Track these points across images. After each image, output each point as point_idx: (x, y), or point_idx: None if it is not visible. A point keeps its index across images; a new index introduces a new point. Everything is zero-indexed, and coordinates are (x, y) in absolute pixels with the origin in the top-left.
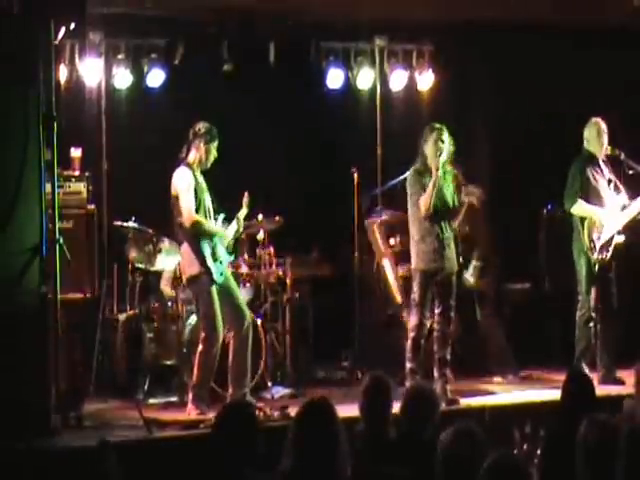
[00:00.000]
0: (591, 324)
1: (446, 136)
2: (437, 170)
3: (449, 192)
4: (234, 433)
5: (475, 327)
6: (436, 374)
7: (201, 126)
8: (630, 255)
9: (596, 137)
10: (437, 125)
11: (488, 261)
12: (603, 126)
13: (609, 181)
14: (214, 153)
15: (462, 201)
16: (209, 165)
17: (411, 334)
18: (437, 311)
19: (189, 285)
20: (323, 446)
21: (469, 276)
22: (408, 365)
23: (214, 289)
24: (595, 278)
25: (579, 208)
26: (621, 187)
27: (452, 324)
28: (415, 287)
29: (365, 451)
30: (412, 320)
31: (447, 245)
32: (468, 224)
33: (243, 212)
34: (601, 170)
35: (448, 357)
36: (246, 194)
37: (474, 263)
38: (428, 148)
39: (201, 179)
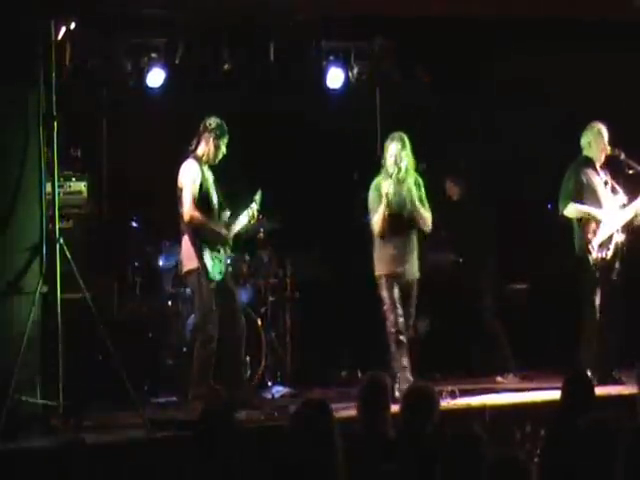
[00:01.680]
0: (596, 325)
1: (402, 145)
2: (387, 196)
3: (412, 199)
4: (213, 435)
5: (475, 327)
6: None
7: (212, 121)
8: (630, 254)
9: (596, 142)
10: (395, 135)
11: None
12: (604, 131)
13: (605, 183)
14: (223, 149)
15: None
16: (217, 161)
17: (391, 337)
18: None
19: (187, 278)
20: (319, 446)
21: None
22: (395, 365)
23: (212, 284)
24: (597, 278)
25: (572, 210)
26: (618, 188)
27: (412, 329)
28: (382, 292)
29: (364, 450)
30: (388, 323)
31: (408, 252)
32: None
33: (252, 208)
34: (597, 172)
35: (405, 364)
36: (259, 192)
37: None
38: (387, 160)
39: (208, 174)
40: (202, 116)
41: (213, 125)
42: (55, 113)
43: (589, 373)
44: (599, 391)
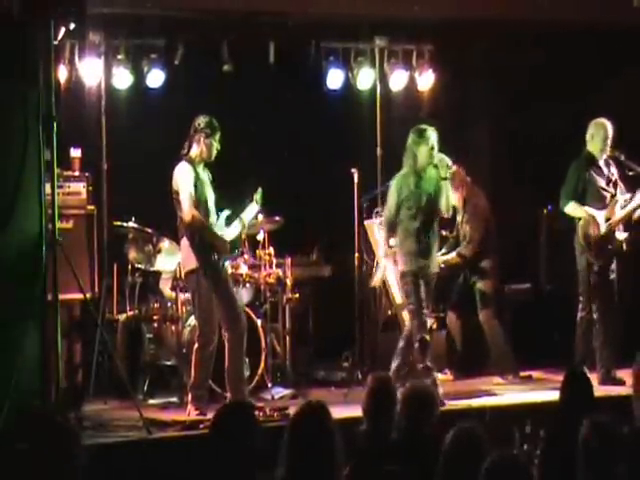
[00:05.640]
0: (595, 325)
1: (436, 137)
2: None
3: (437, 194)
4: (232, 434)
5: (475, 327)
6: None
7: (201, 120)
8: (631, 253)
9: (599, 138)
10: (426, 127)
11: (487, 260)
12: (609, 128)
13: (608, 180)
14: (216, 146)
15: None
16: (212, 158)
17: (417, 336)
18: (430, 311)
19: (187, 279)
20: (318, 448)
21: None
22: (420, 365)
23: (211, 286)
24: (596, 278)
25: (572, 208)
26: (621, 185)
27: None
28: (408, 289)
29: (368, 451)
30: (414, 322)
31: (430, 247)
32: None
33: (253, 208)
34: (600, 169)
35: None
36: (259, 190)
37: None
38: (419, 153)
39: (203, 174)
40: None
41: (202, 124)
42: (55, 113)
43: (586, 370)
44: (599, 391)
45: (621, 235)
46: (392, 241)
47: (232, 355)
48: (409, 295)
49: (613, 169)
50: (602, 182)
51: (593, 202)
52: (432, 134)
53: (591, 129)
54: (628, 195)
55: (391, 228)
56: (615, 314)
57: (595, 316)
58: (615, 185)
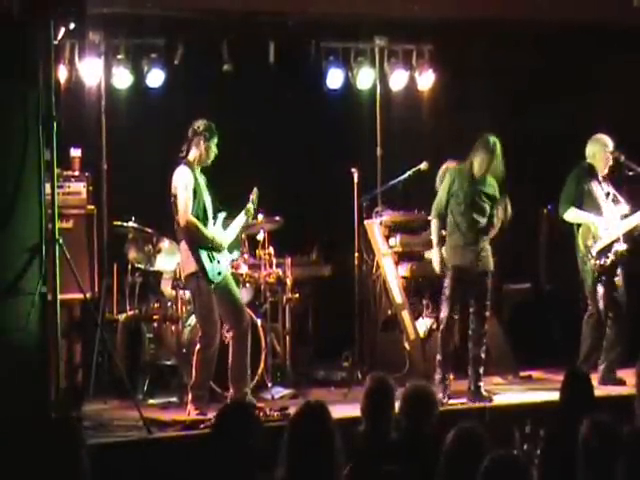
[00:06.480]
0: (607, 326)
1: (500, 149)
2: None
3: (492, 201)
4: (233, 433)
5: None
6: (470, 372)
7: (200, 124)
8: (635, 262)
9: (601, 156)
10: (494, 138)
11: None
12: (609, 144)
13: (607, 194)
14: (214, 150)
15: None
16: (209, 162)
17: (440, 326)
18: (472, 310)
19: (187, 282)
20: (318, 448)
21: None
22: (438, 357)
23: (212, 287)
24: (600, 282)
25: (571, 215)
26: (620, 199)
27: (487, 323)
28: (447, 281)
29: (366, 451)
30: (442, 313)
31: (476, 246)
32: None
33: (249, 208)
34: (599, 182)
35: (482, 355)
36: (255, 190)
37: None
38: (478, 158)
39: (201, 178)
40: (201, 117)
41: (202, 128)
42: (55, 113)
43: (587, 370)
44: (599, 391)
45: (621, 246)
46: (392, 241)
47: (236, 353)
48: (446, 288)
49: (610, 184)
50: (600, 194)
51: (590, 212)
52: (497, 147)
53: (591, 147)
54: (627, 210)
55: (440, 218)
56: (621, 317)
57: (603, 318)
58: (615, 198)
